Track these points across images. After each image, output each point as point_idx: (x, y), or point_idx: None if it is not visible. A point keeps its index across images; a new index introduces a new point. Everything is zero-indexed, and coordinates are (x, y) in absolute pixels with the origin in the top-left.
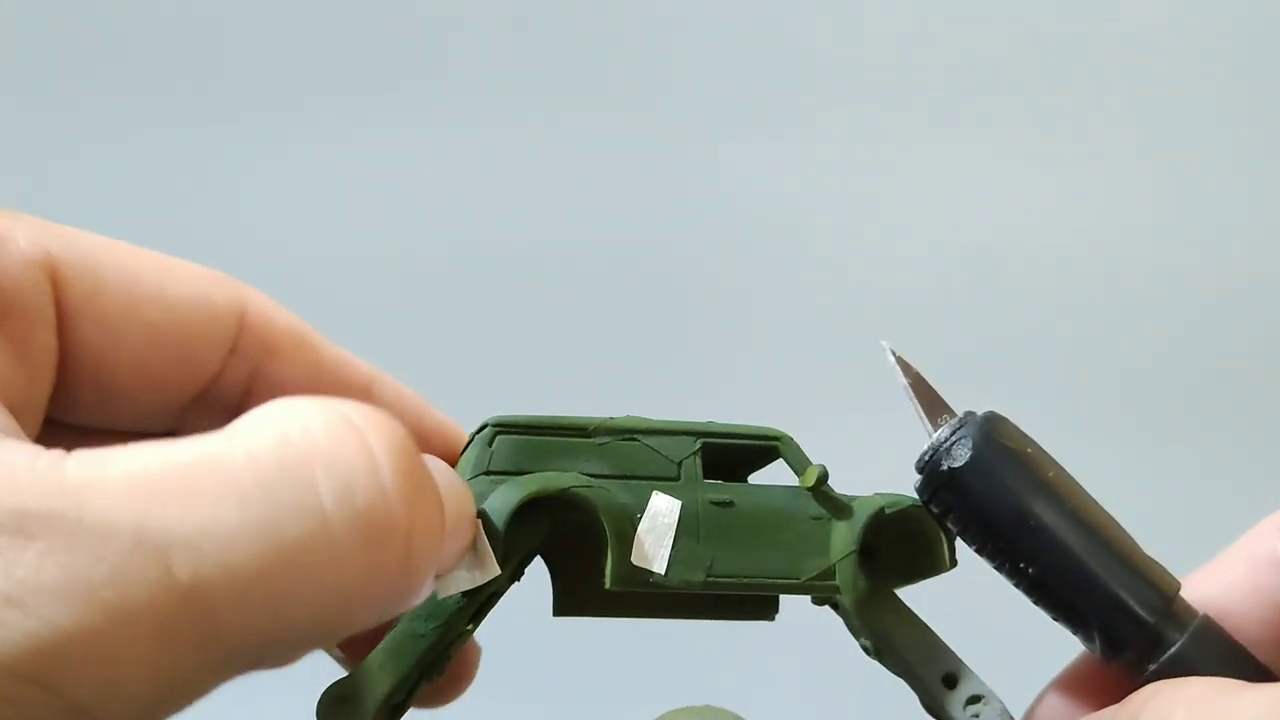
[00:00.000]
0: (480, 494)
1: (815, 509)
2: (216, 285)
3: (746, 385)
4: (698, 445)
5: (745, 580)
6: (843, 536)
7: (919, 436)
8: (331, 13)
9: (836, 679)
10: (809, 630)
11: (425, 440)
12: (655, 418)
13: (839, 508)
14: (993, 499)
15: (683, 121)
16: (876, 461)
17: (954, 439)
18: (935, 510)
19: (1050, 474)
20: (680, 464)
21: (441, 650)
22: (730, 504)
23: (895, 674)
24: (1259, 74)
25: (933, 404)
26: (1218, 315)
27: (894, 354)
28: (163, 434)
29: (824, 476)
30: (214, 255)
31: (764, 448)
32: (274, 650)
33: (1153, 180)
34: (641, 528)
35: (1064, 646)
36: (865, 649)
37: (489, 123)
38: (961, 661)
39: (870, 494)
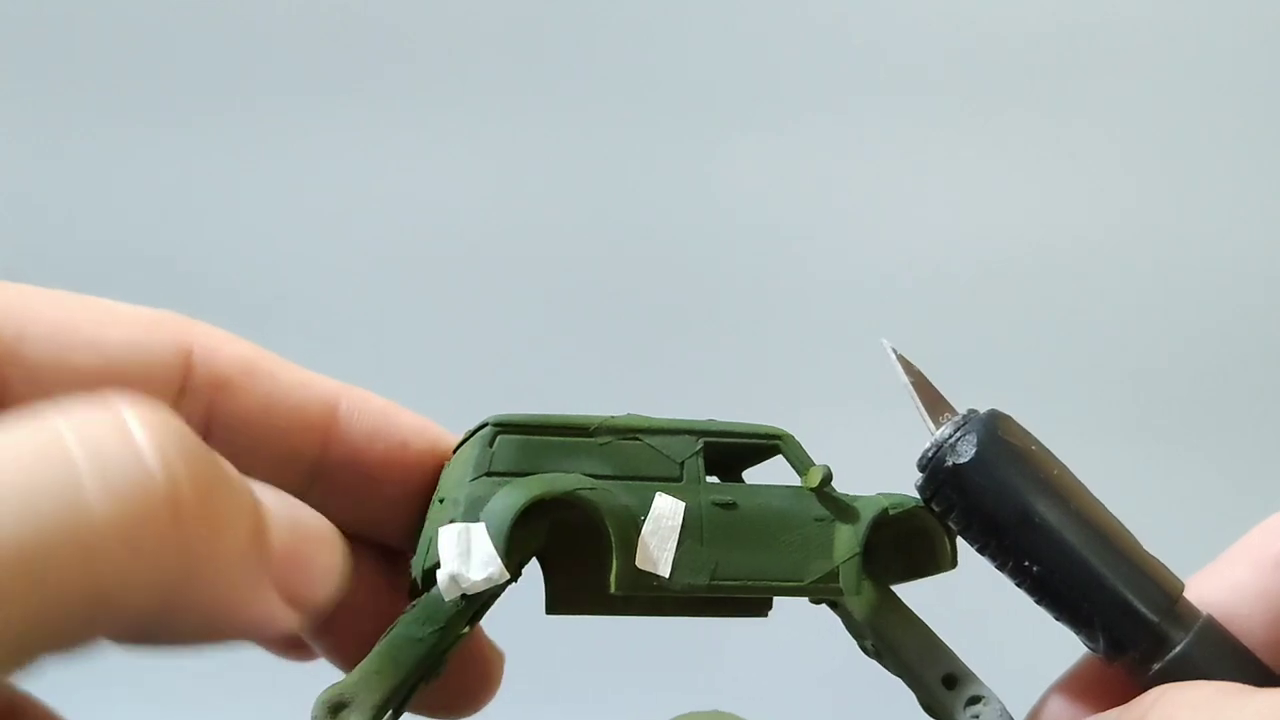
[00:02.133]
0: (483, 496)
1: (819, 510)
2: (158, 327)
3: (746, 383)
4: (700, 445)
5: (749, 583)
6: (846, 538)
7: (920, 435)
8: (332, 13)
9: (836, 679)
10: (809, 629)
11: (404, 445)
12: (656, 416)
13: (842, 509)
14: (997, 495)
15: (686, 121)
16: (878, 460)
17: (958, 435)
18: (937, 509)
19: (1054, 472)
20: (683, 464)
21: (439, 653)
22: (734, 505)
23: (895, 674)
24: (1266, 73)
25: (934, 402)
26: (1219, 315)
27: (895, 352)
28: None
29: (828, 477)
30: (214, 255)
31: (765, 446)
32: (56, 636)
33: (1154, 180)
34: (645, 530)
35: (1063, 648)
36: (865, 649)
37: (490, 122)
38: (961, 662)
39: (873, 494)
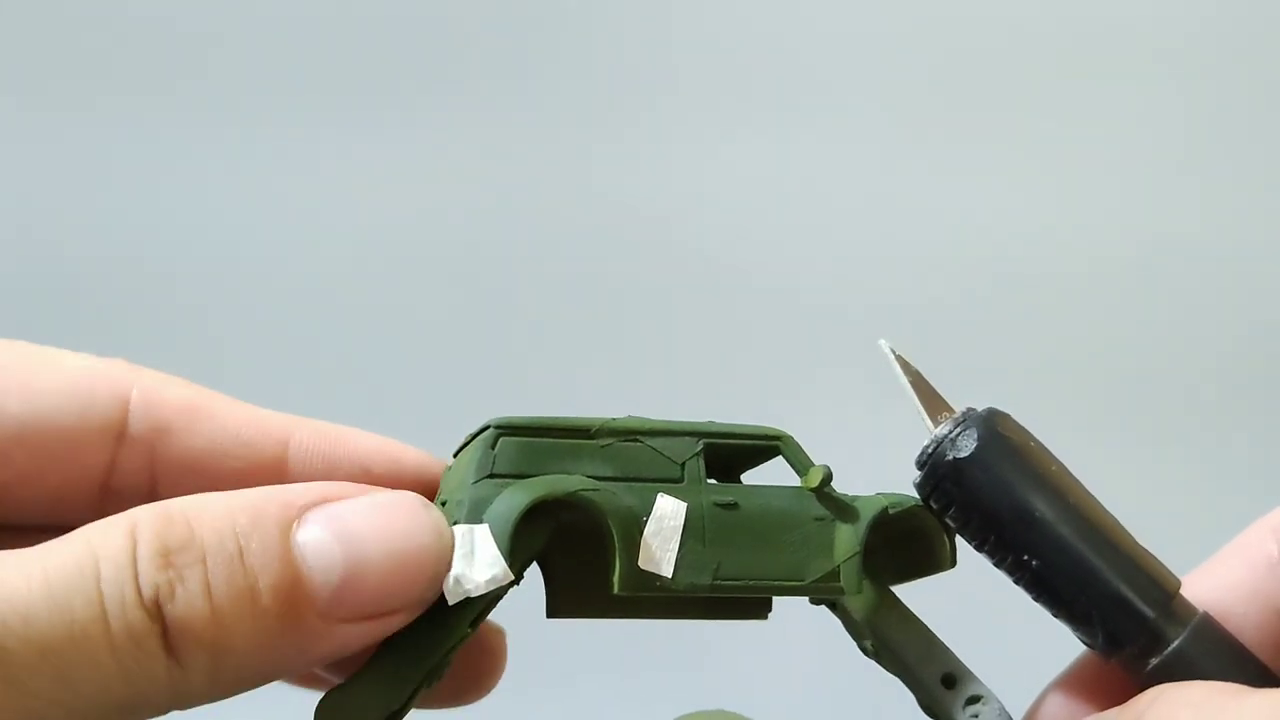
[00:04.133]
0: (486, 498)
1: (819, 510)
2: (94, 375)
3: (745, 385)
4: (700, 446)
5: (751, 583)
6: (846, 538)
7: (918, 434)
8: (333, 14)
9: (836, 679)
10: (809, 630)
11: (365, 470)
12: (656, 418)
13: (842, 509)
14: (996, 490)
15: (684, 120)
16: (877, 460)
17: (957, 431)
18: (935, 505)
19: (1052, 468)
20: (684, 465)
21: (443, 655)
22: (735, 506)
23: (894, 674)
24: (1262, 71)
25: (932, 401)
26: (1218, 315)
27: (893, 352)
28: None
29: (828, 477)
30: (214, 256)
31: (765, 447)
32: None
33: (1156, 178)
34: (648, 531)
35: (1061, 647)
36: (864, 649)
37: (489, 123)
38: (960, 662)
39: (872, 494)
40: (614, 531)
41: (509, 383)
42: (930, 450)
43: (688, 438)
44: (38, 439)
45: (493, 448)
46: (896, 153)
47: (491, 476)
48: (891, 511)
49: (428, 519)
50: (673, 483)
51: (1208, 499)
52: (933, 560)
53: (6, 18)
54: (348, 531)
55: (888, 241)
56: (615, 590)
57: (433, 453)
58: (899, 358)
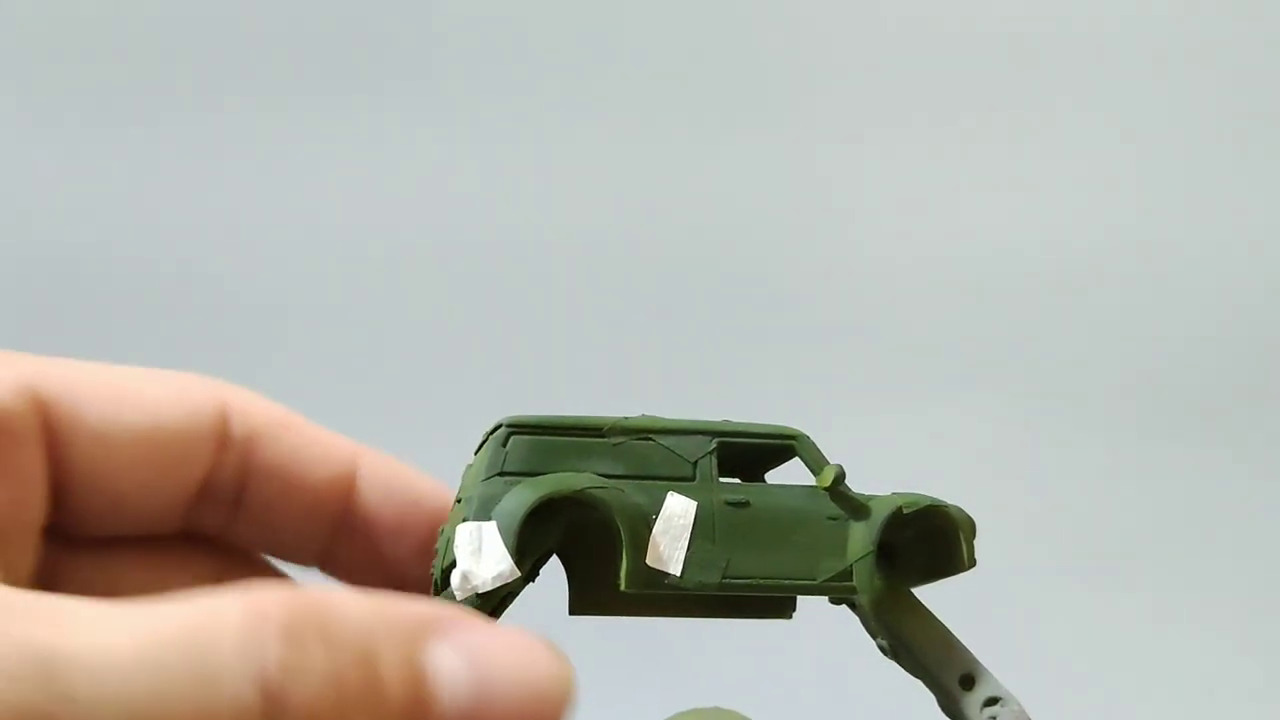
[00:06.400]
0: (495, 495)
1: (832, 509)
2: (195, 385)
3: (764, 384)
4: (713, 445)
5: (761, 581)
6: (860, 537)
7: (934, 435)
8: (336, 12)
9: (852, 678)
10: (824, 629)
11: (417, 504)
12: (671, 417)
13: (856, 508)
14: None
15: (701, 118)
16: (894, 460)
17: None
18: None
19: None
20: (696, 464)
21: None
22: (746, 504)
23: (912, 674)
24: (1266, 69)
25: None
26: (1219, 315)
27: None
28: (173, 535)
29: (841, 476)
30: (224, 257)
31: (780, 446)
32: None
33: (1161, 177)
34: (656, 529)
35: (1076, 648)
36: (882, 649)
37: (505, 120)
38: (979, 662)
39: (888, 493)
40: (622, 529)
41: (524, 383)
42: None
43: (701, 436)
44: (157, 447)
45: (504, 446)
46: (918, 151)
47: (502, 474)
48: (905, 511)
49: (556, 662)
50: (684, 481)
51: (1207, 500)
52: (952, 560)
53: (6, 18)
54: (479, 660)
55: (907, 240)
56: (622, 587)
57: (453, 453)
58: None
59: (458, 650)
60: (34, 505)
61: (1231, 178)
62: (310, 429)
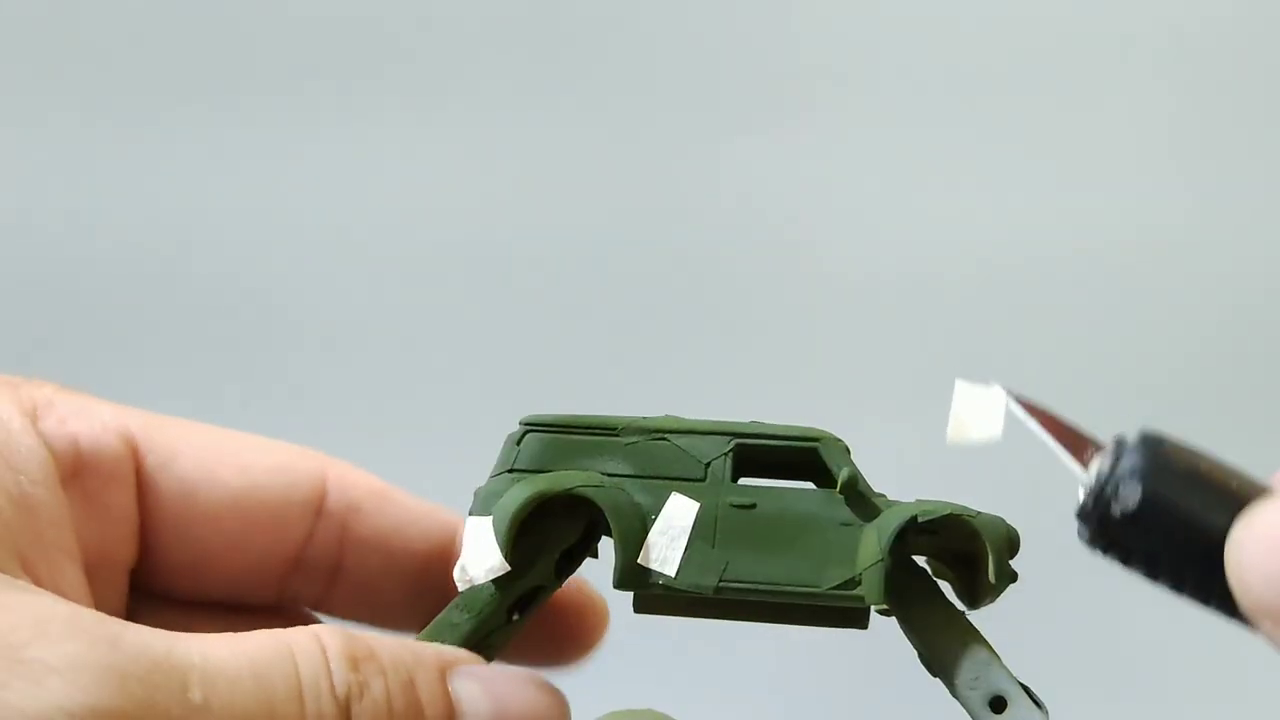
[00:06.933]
0: (498, 491)
1: (846, 515)
2: (296, 453)
3: (792, 386)
4: (730, 446)
5: (761, 587)
6: (871, 544)
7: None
8: (335, 11)
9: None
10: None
11: None
12: (693, 418)
13: (870, 514)
14: (1179, 535)
15: (715, 116)
16: (931, 467)
17: (1115, 477)
18: (1115, 559)
19: (1233, 485)
20: (708, 465)
21: (480, 639)
22: (752, 507)
23: (949, 692)
24: (1266, 70)
25: (1075, 440)
26: (1220, 315)
27: (1016, 398)
28: (265, 608)
29: (852, 481)
30: (225, 257)
31: (803, 449)
32: None
33: (1164, 177)
34: (654, 529)
35: (1077, 649)
36: (922, 661)
37: (511, 120)
38: (1015, 684)
39: (912, 500)
40: (614, 527)
41: (544, 385)
42: (1090, 504)
43: (719, 437)
44: (250, 508)
45: (518, 443)
46: (936, 151)
47: (511, 471)
48: (921, 519)
49: (554, 693)
50: (694, 482)
51: None
52: (980, 576)
53: (6, 17)
54: (494, 691)
55: (911, 240)
56: (613, 586)
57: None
58: (1023, 401)
59: (476, 681)
60: (124, 547)
61: (1232, 178)
62: (410, 500)
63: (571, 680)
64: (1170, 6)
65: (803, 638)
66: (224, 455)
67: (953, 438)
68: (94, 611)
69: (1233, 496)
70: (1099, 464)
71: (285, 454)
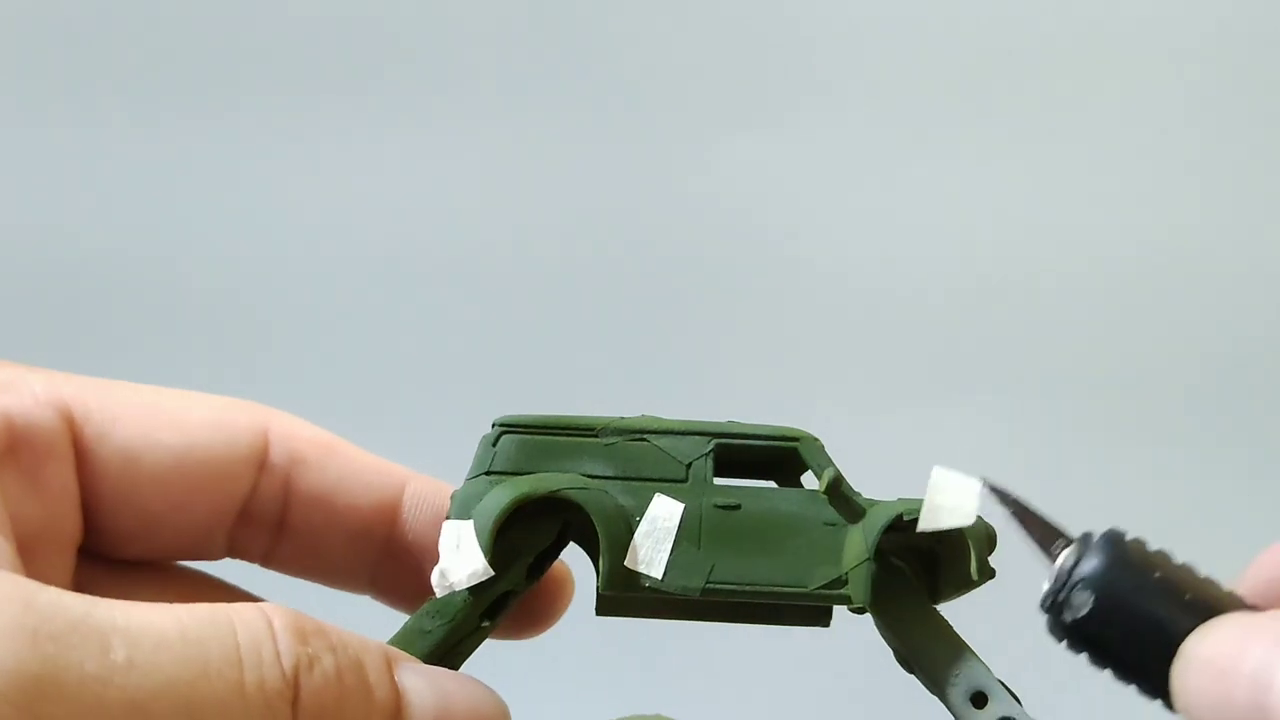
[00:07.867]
0: (476, 494)
1: (830, 514)
2: (236, 408)
3: (769, 387)
4: (710, 446)
5: (747, 588)
6: (856, 544)
7: (945, 439)
8: (334, 12)
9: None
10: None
11: None
12: (671, 418)
13: (855, 514)
14: (1129, 645)
15: (696, 117)
16: (905, 465)
17: (1071, 581)
18: (1071, 652)
19: (1187, 596)
20: (689, 465)
21: (450, 646)
22: (736, 508)
23: (926, 688)
24: (1264, 71)
25: (1044, 531)
26: (1219, 315)
27: (992, 488)
28: (216, 560)
29: (836, 481)
30: (213, 258)
31: (784, 449)
32: None
33: (1157, 179)
34: (640, 531)
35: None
36: (898, 659)
37: (496, 121)
38: (994, 679)
39: (894, 499)
40: (600, 530)
41: (535, 385)
42: (1049, 601)
43: (699, 438)
44: (191, 467)
45: (494, 445)
46: (919, 151)
47: (488, 473)
48: (906, 518)
49: (497, 696)
50: (676, 483)
51: (1208, 500)
52: (963, 572)
53: (6, 17)
54: (439, 686)
55: (908, 240)
56: (600, 589)
57: (450, 453)
58: (996, 489)
59: (421, 676)
60: (67, 521)
61: (1233, 179)
62: (356, 453)
63: (575, 681)
64: (1170, 7)
65: (803, 638)
66: (162, 416)
67: (924, 526)
68: (9, 574)
69: (1186, 609)
70: (1061, 561)
71: (225, 409)
